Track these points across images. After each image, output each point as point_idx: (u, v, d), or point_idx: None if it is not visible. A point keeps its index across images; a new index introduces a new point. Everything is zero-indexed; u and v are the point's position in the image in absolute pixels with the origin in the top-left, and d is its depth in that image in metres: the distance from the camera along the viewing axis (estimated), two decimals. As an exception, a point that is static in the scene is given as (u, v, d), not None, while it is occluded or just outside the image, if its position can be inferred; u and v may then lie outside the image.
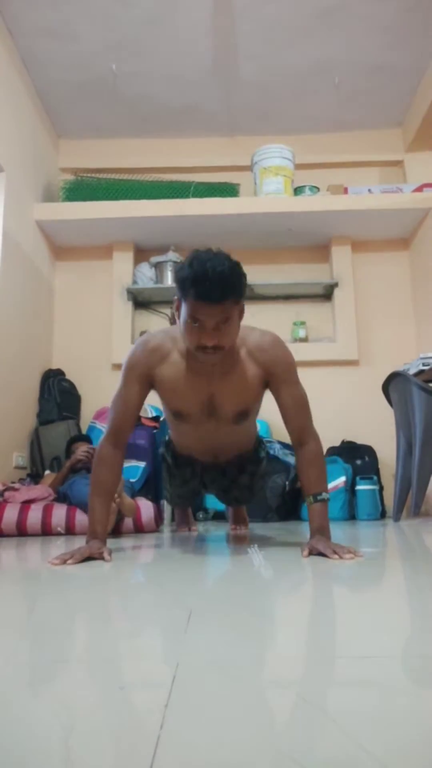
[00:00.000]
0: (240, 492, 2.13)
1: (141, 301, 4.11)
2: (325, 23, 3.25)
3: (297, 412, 1.70)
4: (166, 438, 2.12)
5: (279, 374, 1.70)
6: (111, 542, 1.96)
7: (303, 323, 3.99)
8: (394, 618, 0.87)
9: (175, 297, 1.56)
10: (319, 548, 1.51)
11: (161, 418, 3.66)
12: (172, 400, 1.75)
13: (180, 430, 1.90)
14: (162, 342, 1.70)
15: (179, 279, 1.50)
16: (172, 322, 4.05)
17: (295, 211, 3.76)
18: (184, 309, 1.52)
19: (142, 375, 1.68)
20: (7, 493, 2.69)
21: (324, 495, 1.65)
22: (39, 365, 3.78)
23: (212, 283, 1.43)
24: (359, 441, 3.71)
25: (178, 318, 1.57)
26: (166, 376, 1.69)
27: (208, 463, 2.01)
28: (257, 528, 2.76)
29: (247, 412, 1.80)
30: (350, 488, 3.40)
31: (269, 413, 3.72)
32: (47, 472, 3.20)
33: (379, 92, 3.82)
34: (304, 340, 3.95)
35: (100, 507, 1.64)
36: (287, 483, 3.35)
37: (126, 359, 1.72)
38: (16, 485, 2.79)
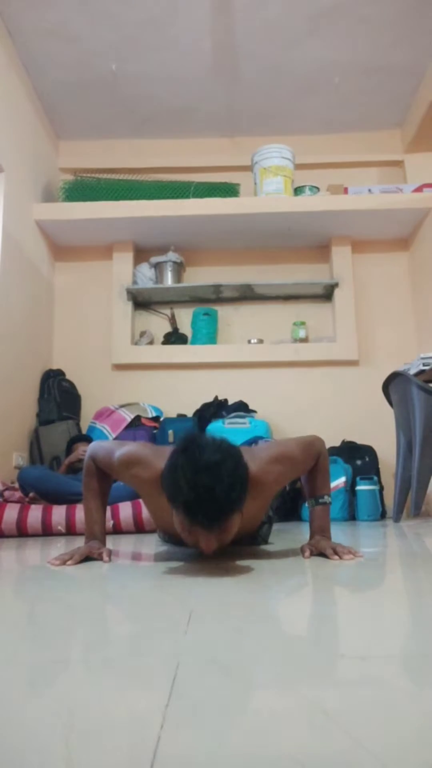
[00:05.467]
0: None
1: (141, 302, 4.11)
2: (325, 24, 3.25)
3: (305, 466, 1.65)
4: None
5: (289, 478, 1.64)
6: (111, 542, 1.96)
7: (303, 323, 3.99)
8: (394, 618, 0.87)
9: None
10: (320, 548, 1.51)
11: (161, 418, 3.66)
12: (162, 525, 1.64)
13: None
14: (152, 476, 1.46)
15: (171, 493, 1.26)
16: (172, 322, 4.05)
17: (295, 211, 3.76)
18: (177, 515, 1.29)
19: (125, 480, 1.61)
20: (7, 493, 2.69)
21: (326, 498, 1.66)
22: (39, 365, 3.78)
23: (211, 512, 1.22)
24: (359, 441, 3.71)
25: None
26: (153, 504, 1.55)
27: None
28: (257, 528, 2.75)
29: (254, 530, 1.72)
30: (350, 488, 3.40)
31: (269, 413, 3.76)
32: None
33: (379, 92, 3.82)
34: (304, 340, 3.96)
35: (96, 508, 1.64)
36: (287, 483, 3.35)
37: (120, 455, 1.55)
38: (16, 485, 2.79)
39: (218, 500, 1.21)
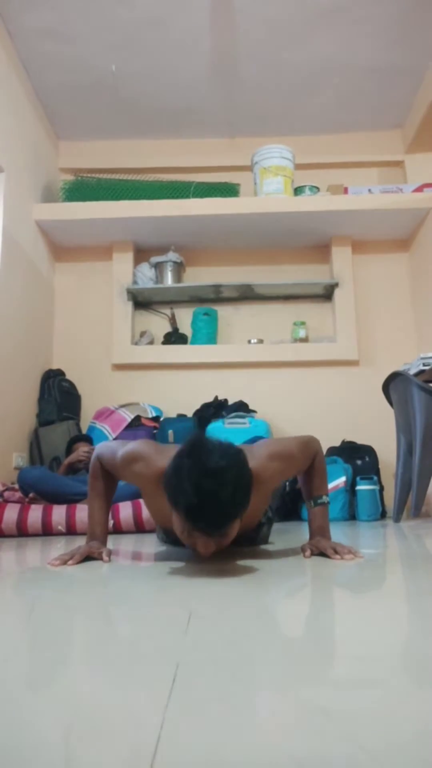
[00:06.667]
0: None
1: (141, 302, 4.11)
2: (325, 24, 3.25)
3: (302, 464, 1.65)
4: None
5: (286, 475, 1.64)
6: (111, 542, 1.96)
7: (303, 323, 3.99)
8: (393, 619, 0.87)
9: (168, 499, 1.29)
10: (320, 548, 1.52)
11: (161, 418, 3.66)
12: (162, 522, 1.64)
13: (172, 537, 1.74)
14: (154, 473, 1.45)
15: (173, 495, 1.24)
16: (172, 322, 4.05)
17: (295, 211, 3.76)
18: (177, 518, 1.27)
19: (128, 478, 1.59)
20: (6, 493, 2.69)
21: (324, 498, 1.66)
22: (39, 365, 3.78)
23: (213, 518, 1.21)
24: (359, 441, 3.71)
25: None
26: (154, 502, 1.54)
27: None
28: (257, 528, 2.75)
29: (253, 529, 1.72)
30: (350, 488, 3.40)
31: (269, 413, 3.76)
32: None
33: (380, 93, 3.81)
34: (305, 340, 3.96)
35: (99, 508, 1.65)
36: (287, 484, 3.35)
37: (123, 453, 1.54)
38: (16, 486, 2.80)
39: (220, 507, 1.20)
